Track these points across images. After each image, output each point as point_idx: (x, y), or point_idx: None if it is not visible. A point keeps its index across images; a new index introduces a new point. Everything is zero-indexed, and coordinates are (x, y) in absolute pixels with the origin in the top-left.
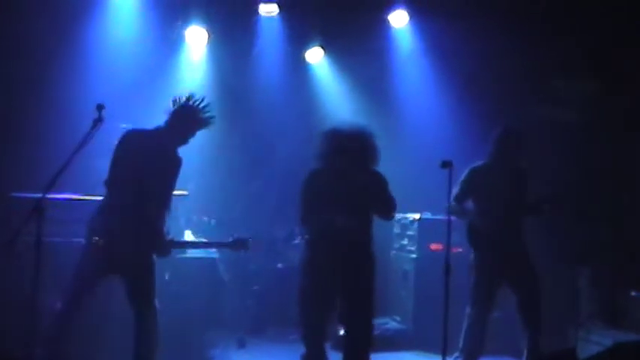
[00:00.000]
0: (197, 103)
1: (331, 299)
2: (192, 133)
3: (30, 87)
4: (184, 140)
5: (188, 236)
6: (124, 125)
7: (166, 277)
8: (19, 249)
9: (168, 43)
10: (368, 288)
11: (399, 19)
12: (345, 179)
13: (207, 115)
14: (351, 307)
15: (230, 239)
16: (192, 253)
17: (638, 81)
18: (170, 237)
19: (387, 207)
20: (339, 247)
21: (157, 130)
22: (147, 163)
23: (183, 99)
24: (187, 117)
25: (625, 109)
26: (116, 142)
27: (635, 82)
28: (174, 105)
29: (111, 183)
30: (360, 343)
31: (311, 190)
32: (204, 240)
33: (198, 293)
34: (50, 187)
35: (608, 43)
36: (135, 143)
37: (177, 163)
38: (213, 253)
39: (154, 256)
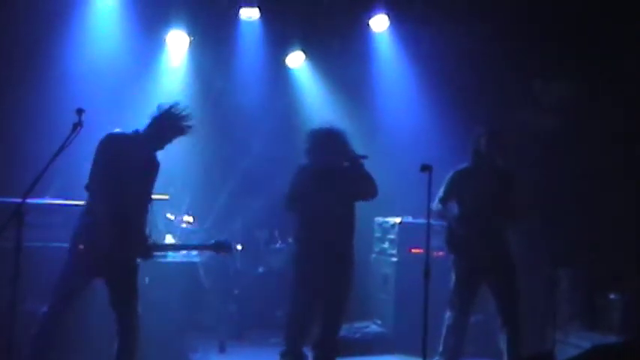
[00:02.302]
0: (179, 111)
1: (316, 298)
2: (169, 140)
3: (9, 91)
4: (161, 146)
5: (169, 240)
6: (118, 130)
7: (147, 282)
8: None
9: (149, 47)
10: (342, 292)
11: (379, 23)
12: (329, 173)
13: (187, 124)
14: (326, 306)
15: (212, 241)
16: (172, 257)
17: (620, 86)
18: (152, 240)
19: (365, 185)
20: (325, 243)
21: (137, 134)
22: (128, 167)
23: (167, 106)
24: (168, 124)
25: (607, 113)
26: (97, 146)
27: (617, 86)
28: (158, 111)
29: (93, 187)
30: (326, 345)
31: (299, 180)
32: (186, 244)
33: (179, 297)
34: (30, 191)
35: (591, 48)
36: (116, 147)
37: (155, 166)
38: (193, 257)
39: (137, 260)
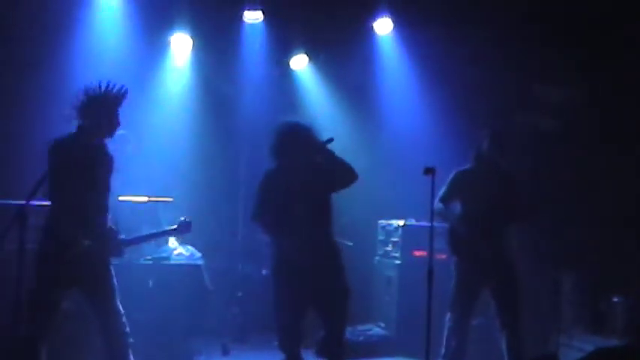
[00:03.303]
0: (98, 91)
1: (302, 304)
2: (112, 118)
3: (13, 92)
4: (111, 128)
5: (172, 243)
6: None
7: (150, 285)
8: (2, 257)
9: (153, 50)
10: (335, 289)
11: (383, 26)
12: (297, 173)
13: (115, 91)
14: (322, 312)
15: (174, 226)
16: (176, 260)
17: (621, 87)
18: (120, 237)
19: (341, 173)
20: (302, 249)
21: (81, 130)
22: (83, 168)
23: (82, 94)
24: (98, 104)
25: (609, 115)
26: (47, 154)
27: (618, 88)
28: (80, 106)
29: (53, 196)
30: (332, 349)
31: (266, 187)
32: (151, 232)
33: (182, 300)
34: (34, 193)
35: (592, 50)
36: (66, 150)
37: (107, 159)
38: (197, 259)
39: (109, 259)
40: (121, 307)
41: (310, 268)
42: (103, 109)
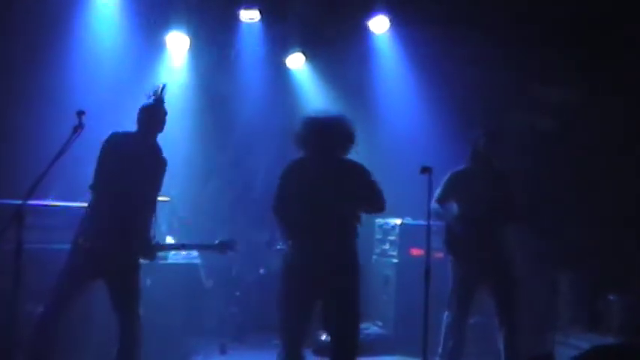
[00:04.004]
0: (155, 95)
1: (311, 304)
2: (158, 125)
3: (10, 92)
4: (154, 132)
5: (169, 242)
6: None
7: (148, 283)
8: None
9: (150, 49)
10: (353, 290)
11: (379, 25)
12: (324, 168)
13: (157, 104)
14: (336, 311)
15: (216, 242)
16: (173, 259)
17: (619, 87)
18: (155, 241)
19: (374, 200)
20: (321, 249)
21: (140, 131)
22: (133, 166)
23: (151, 99)
24: (153, 111)
25: (606, 115)
26: (102, 145)
27: (616, 88)
28: (145, 105)
29: (97, 187)
30: (346, 349)
31: (289, 179)
32: (189, 243)
33: (180, 299)
34: (31, 193)
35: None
36: (121, 146)
37: (162, 164)
38: (195, 258)
39: (140, 261)
40: (139, 310)
41: (324, 273)
42: (155, 115)
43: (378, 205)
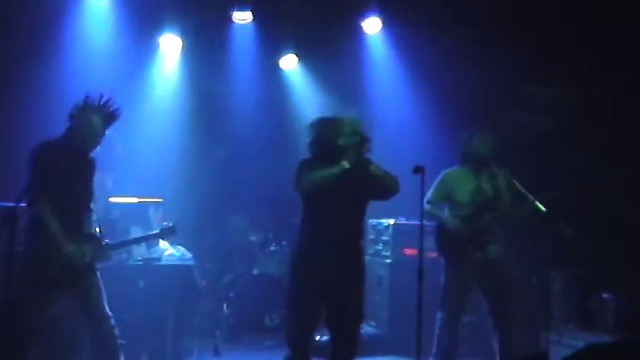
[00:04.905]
0: (96, 101)
1: (319, 303)
2: (100, 132)
3: (2, 94)
4: (95, 141)
5: (163, 244)
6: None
7: (141, 285)
8: None
9: (142, 51)
10: (359, 290)
11: (372, 26)
12: (345, 173)
13: (111, 109)
14: (341, 310)
15: (157, 230)
16: (167, 260)
17: (612, 88)
18: (105, 241)
19: (385, 182)
20: (334, 251)
21: (68, 136)
22: (69, 172)
23: (81, 102)
24: (89, 117)
25: (599, 114)
26: (33, 157)
27: (608, 88)
28: (73, 110)
29: (36, 197)
30: (348, 348)
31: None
32: (136, 236)
33: (173, 301)
34: (23, 196)
35: (582, 50)
36: (53, 154)
37: (92, 165)
38: (188, 260)
39: (94, 263)
40: (108, 310)
41: (332, 269)
42: (92, 120)
43: (393, 187)
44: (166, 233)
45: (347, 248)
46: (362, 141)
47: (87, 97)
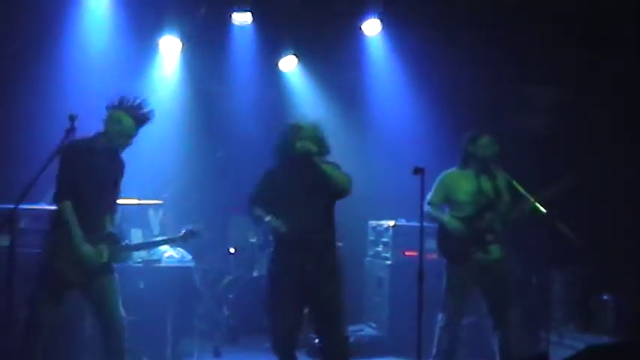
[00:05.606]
0: (130, 102)
1: (297, 307)
2: (131, 133)
3: (2, 96)
4: (125, 141)
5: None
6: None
7: (141, 286)
8: None
9: (142, 53)
10: (334, 294)
11: (372, 27)
12: (302, 173)
13: (143, 111)
14: (320, 314)
15: (180, 233)
16: (166, 262)
17: (612, 88)
18: (125, 242)
19: (338, 183)
20: (301, 251)
21: (99, 136)
22: (97, 172)
23: (116, 102)
24: (121, 117)
25: (597, 116)
26: (61, 155)
27: (609, 88)
28: (107, 109)
29: (62, 196)
30: (338, 347)
31: (267, 181)
32: (156, 239)
33: (173, 302)
34: (23, 197)
35: (581, 51)
36: (82, 153)
37: (122, 166)
38: (188, 262)
39: (113, 264)
40: (122, 311)
41: (307, 271)
42: (123, 120)
43: (340, 189)
44: (189, 237)
45: (314, 247)
46: (319, 147)
47: (121, 97)
